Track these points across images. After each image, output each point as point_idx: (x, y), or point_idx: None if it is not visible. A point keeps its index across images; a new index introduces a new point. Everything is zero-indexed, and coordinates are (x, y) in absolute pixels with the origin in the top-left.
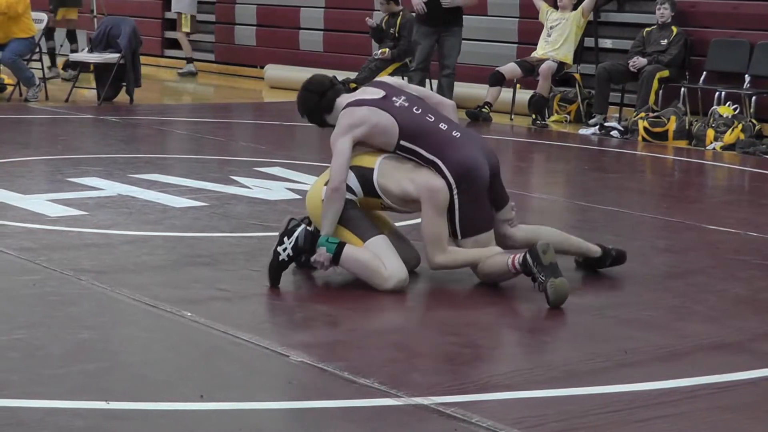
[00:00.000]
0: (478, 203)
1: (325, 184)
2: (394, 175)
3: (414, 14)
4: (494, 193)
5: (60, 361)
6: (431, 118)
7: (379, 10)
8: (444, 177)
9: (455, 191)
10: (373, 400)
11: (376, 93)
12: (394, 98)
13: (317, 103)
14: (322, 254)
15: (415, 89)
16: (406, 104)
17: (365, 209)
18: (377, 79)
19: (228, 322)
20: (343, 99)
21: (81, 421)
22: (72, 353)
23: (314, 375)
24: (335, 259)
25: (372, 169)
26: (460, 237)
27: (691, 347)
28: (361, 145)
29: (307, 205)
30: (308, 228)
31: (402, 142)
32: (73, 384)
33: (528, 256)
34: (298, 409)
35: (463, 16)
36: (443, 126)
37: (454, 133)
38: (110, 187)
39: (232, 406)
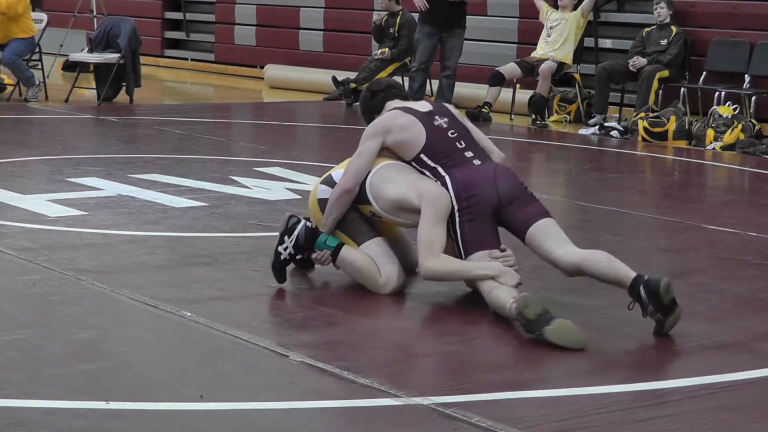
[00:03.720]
0: (479, 222)
1: (321, 183)
2: (394, 180)
3: (415, 14)
4: (513, 220)
5: (60, 361)
6: (461, 145)
7: (379, 10)
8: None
9: (455, 208)
10: (373, 400)
11: (424, 107)
12: (436, 116)
13: (368, 102)
14: (322, 252)
15: (469, 125)
16: (445, 126)
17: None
18: (444, 104)
19: (228, 322)
20: (394, 102)
21: (81, 421)
22: (72, 353)
23: (314, 375)
24: (333, 259)
25: (367, 172)
26: (464, 254)
27: (691, 347)
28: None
29: (310, 205)
30: (308, 224)
31: (421, 155)
32: (73, 384)
33: (518, 304)
34: (298, 409)
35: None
36: (468, 154)
37: (475, 161)
38: (110, 187)
39: (232, 406)
